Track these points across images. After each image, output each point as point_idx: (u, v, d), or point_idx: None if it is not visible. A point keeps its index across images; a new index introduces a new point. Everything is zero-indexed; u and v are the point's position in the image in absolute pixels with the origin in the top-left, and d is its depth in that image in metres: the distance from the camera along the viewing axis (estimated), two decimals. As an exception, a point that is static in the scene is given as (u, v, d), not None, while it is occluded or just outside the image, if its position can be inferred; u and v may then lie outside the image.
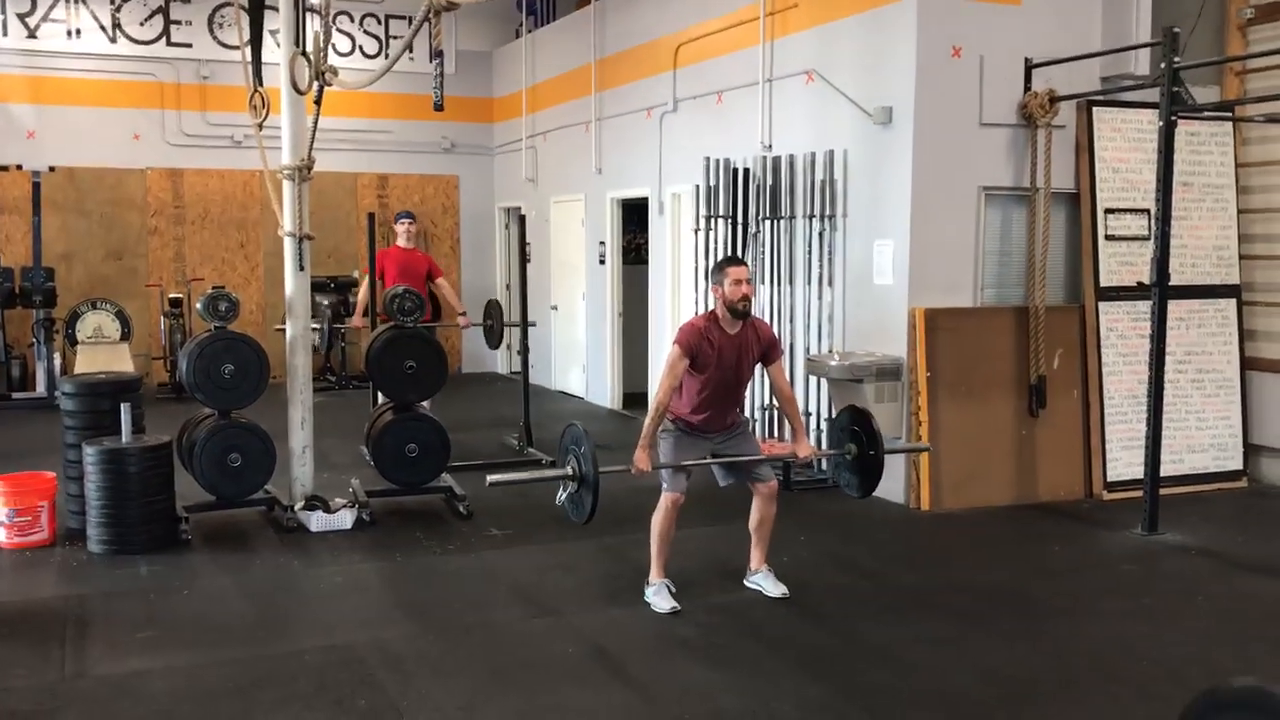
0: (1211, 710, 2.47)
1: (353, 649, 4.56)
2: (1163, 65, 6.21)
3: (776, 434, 8.08)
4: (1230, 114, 7.56)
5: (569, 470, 5.05)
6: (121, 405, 6.05)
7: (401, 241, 9.00)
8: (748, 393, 8.01)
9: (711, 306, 5.20)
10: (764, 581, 5.31)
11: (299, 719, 3.92)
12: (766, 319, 8.08)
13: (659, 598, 5.09)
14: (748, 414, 8.07)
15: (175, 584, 5.44)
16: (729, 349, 5.02)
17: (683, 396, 5.11)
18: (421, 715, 3.95)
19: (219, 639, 4.69)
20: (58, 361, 10.83)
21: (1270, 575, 5.69)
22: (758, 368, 5.26)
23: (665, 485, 5.15)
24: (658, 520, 5.16)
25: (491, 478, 5.05)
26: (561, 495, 5.09)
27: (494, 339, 9.43)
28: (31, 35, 11.67)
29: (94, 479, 5.91)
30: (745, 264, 5.13)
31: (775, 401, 5.35)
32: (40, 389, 10.78)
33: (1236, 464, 7.58)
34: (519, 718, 3.94)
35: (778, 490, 5.31)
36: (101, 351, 10.86)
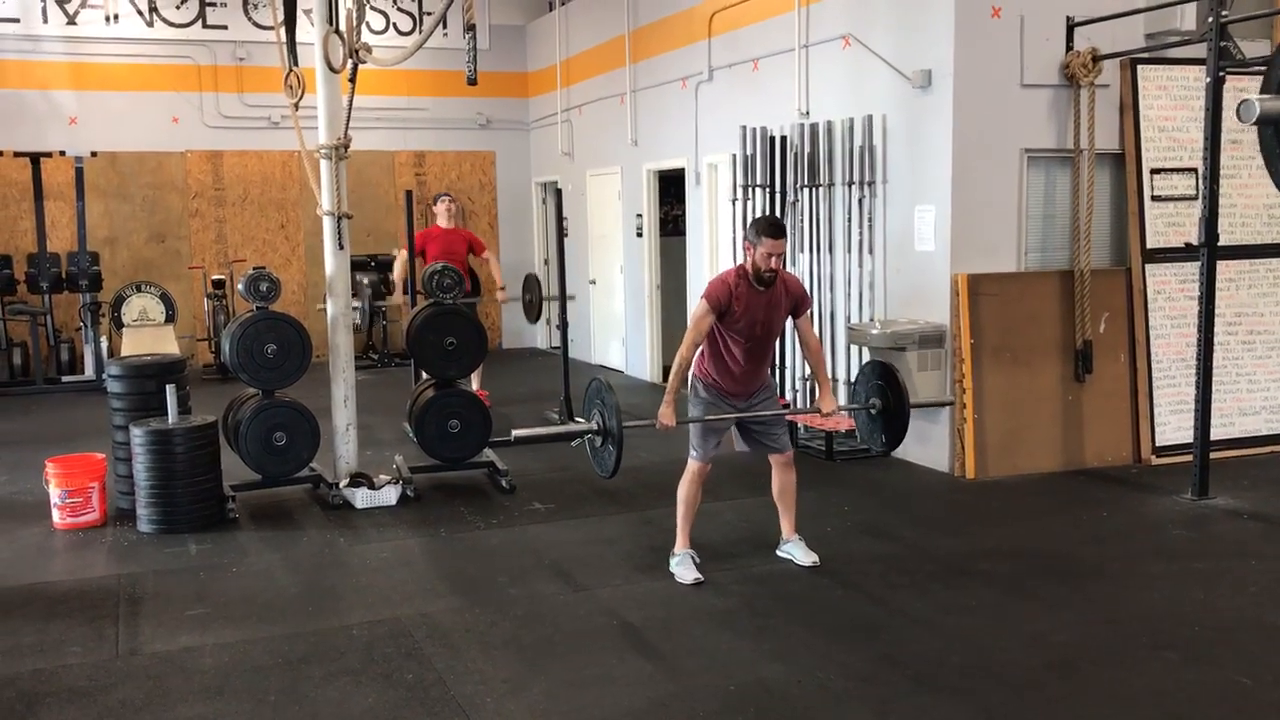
0: None
1: (399, 623, 4.61)
2: (1209, 20, 6.06)
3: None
4: (1280, 68, 7.37)
5: (594, 425, 5.06)
6: (167, 387, 6.12)
7: (442, 221, 9.02)
8: (789, 369, 8.11)
9: (743, 261, 5.17)
10: (795, 550, 5.29)
11: (347, 692, 3.96)
12: (807, 288, 8.02)
13: (682, 568, 5.10)
14: (789, 391, 8.10)
15: (224, 562, 5.51)
16: (758, 304, 4.98)
17: (713, 355, 5.07)
18: (468, 687, 3.97)
19: (268, 615, 4.75)
20: (104, 345, 10.99)
21: (1325, 539, 5.59)
22: (788, 324, 5.24)
23: (693, 453, 5.15)
24: (683, 487, 5.19)
25: (516, 432, 5.13)
26: (579, 443, 5.08)
27: (533, 313, 9.43)
28: (71, 22, 11.78)
29: (142, 460, 6.00)
30: (784, 237, 5.02)
31: (804, 356, 5.37)
32: (89, 372, 10.95)
33: (1289, 426, 7.44)
34: (565, 689, 3.96)
35: (793, 457, 5.29)
36: (147, 334, 10.99)
